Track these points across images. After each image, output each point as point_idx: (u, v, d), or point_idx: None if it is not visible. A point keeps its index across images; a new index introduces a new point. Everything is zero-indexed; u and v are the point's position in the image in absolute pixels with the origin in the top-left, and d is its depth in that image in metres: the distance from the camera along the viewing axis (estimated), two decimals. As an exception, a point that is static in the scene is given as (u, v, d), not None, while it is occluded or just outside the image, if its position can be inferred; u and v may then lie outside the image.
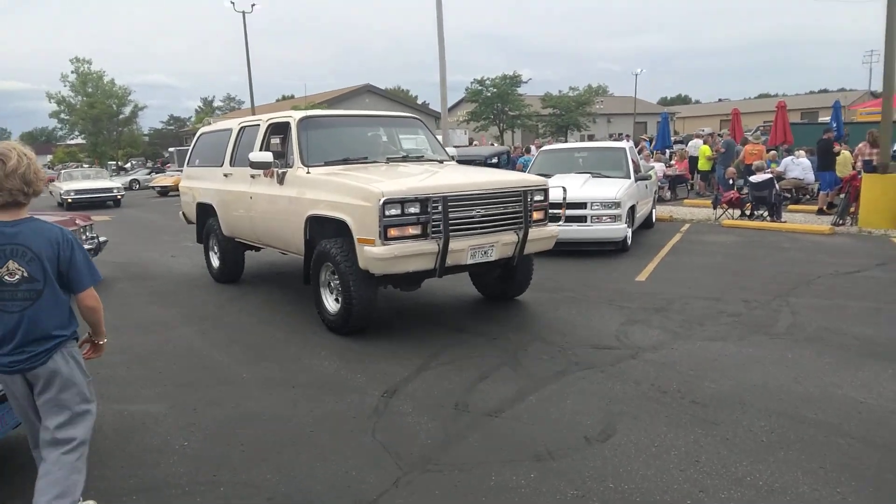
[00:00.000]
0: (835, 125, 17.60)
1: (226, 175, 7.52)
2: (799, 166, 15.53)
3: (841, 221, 11.87)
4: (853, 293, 6.83)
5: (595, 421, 3.83)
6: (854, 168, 13.73)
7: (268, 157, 6.25)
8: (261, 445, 3.66)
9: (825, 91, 71.83)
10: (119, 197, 23.73)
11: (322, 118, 6.87)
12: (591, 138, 44.05)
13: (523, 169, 13.48)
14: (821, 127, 21.58)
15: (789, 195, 14.82)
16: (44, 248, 2.58)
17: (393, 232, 5.05)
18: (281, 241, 6.68)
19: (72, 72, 45.27)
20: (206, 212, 8.23)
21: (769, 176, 12.62)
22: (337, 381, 4.66)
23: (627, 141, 20.37)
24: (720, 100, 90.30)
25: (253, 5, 32.99)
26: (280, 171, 6.29)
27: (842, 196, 12.56)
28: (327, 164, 6.14)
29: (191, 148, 8.82)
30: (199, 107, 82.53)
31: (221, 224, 7.75)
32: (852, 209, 11.97)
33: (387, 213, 4.98)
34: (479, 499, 3.04)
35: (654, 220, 12.57)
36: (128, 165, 46.67)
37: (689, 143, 19.57)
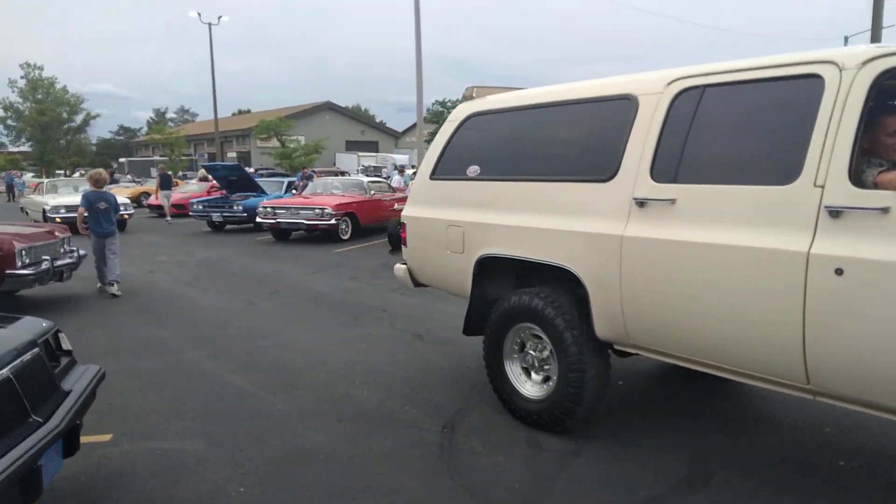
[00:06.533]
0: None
1: (641, 203, 3.31)
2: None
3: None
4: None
5: (681, 459, 3.55)
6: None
7: None
8: (328, 490, 3.23)
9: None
10: (126, 217, 15.49)
11: None
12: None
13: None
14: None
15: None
16: (111, 199, 8.47)
17: None
18: None
19: (21, 77, 43.55)
20: (494, 278, 4.33)
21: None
22: (385, 413, 4.26)
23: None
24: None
25: (220, 18, 32.32)
26: None
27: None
28: None
29: (443, 144, 4.65)
30: (151, 117, 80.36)
31: (600, 314, 3.55)
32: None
33: None
34: (602, 554, 2.71)
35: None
36: (76, 175, 44.88)
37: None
